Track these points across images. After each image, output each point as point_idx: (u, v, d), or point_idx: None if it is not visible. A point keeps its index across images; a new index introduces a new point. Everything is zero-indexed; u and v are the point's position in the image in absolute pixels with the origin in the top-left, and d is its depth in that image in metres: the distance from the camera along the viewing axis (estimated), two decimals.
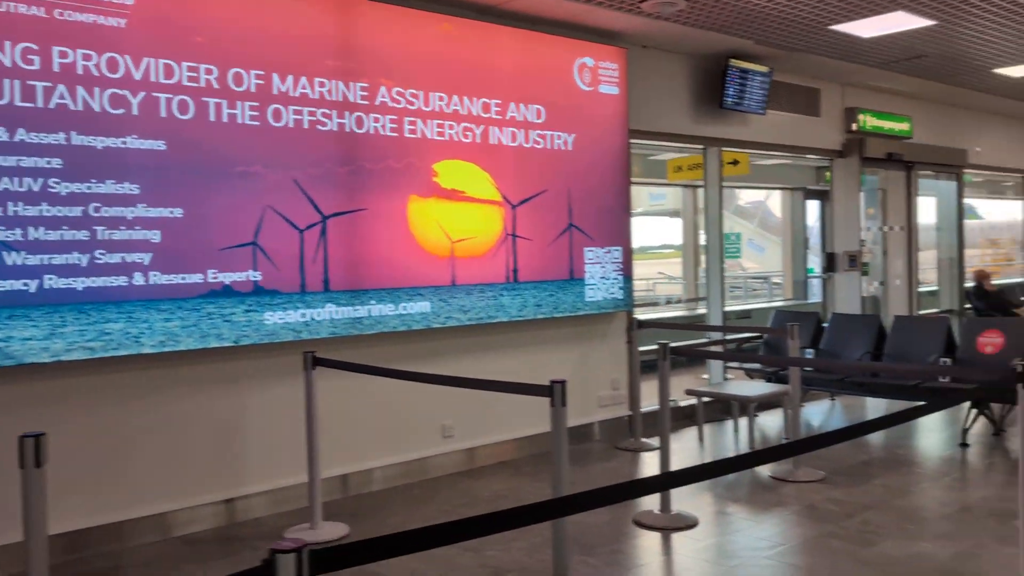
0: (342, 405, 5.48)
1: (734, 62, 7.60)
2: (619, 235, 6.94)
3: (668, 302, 15.23)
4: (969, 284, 11.18)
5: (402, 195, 5.64)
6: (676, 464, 6.17)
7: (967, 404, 6.80)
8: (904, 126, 9.85)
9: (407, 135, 5.66)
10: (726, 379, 8.11)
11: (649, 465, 6.29)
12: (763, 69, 7.87)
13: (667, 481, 2.76)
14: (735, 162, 9.24)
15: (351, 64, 5.41)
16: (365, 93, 5.46)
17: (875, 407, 8.03)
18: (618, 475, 6.00)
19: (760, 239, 19.80)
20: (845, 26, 6.90)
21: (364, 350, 5.52)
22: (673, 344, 7.35)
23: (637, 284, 21.22)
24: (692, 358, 8.77)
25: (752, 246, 22.87)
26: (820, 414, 8.03)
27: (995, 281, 11.52)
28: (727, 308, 8.40)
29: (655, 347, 6.51)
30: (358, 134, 5.44)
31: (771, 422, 7.54)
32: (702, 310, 9.27)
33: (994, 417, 6.78)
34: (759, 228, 18.71)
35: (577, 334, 6.87)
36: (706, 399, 7.09)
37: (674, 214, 18.93)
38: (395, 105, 5.60)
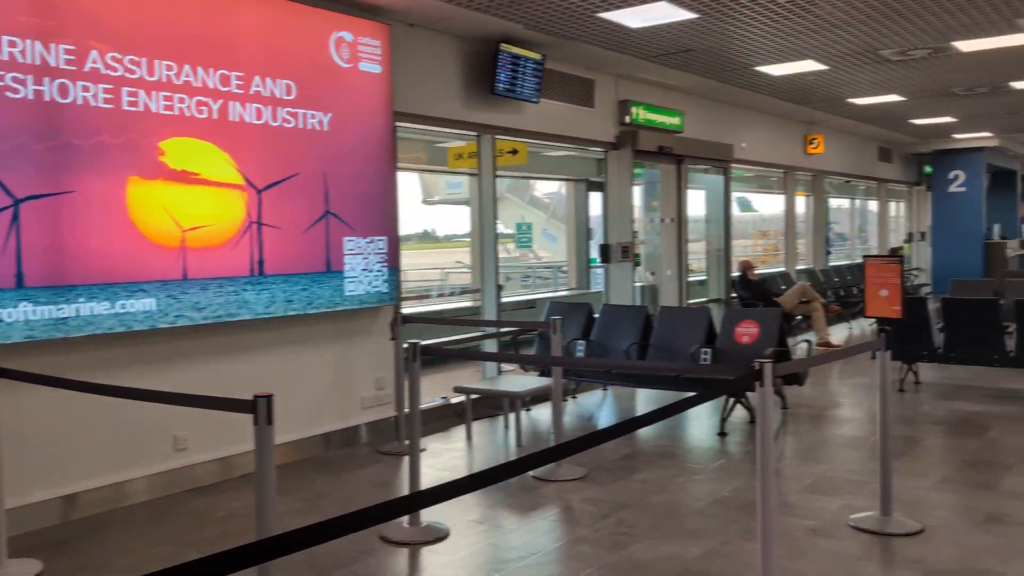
0: (45, 419, 4.70)
1: (505, 47, 7.36)
2: (384, 224, 6.51)
3: (463, 292, 14.95)
4: (735, 274, 11.68)
5: (119, 176, 4.91)
6: (436, 468, 5.85)
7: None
8: (675, 120, 10.07)
9: (126, 108, 4.93)
10: (501, 373, 7.89)
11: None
12: (536, 56, 7.68)
13: (397, 507, 2.33)
14: (515, 151, 9.08)
15: (51, 22, 4.62)
16: (71, 57, 4.69)
17: (645, 396, 8.10)
18: (374, 482, 5.59)
19: (554, 229, 19.98)
20: (612, 14, 6.82)
21: (73, 355, 4.76)
22: (435, 341, 7.10)
23: (431, 274, 20.68)
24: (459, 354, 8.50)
25: (546, 236, 23.23)
26: (592, 405, 8.00)
27: (759, 271, 12.12)
28: (515, 298, 8.21)
29: (430, 342, 6.17)
30: (61, 104, 4.65)
31: (545, 415, 7.40)
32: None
33: (750, 405, 6.97)
34: (552, 218, 18.94)
35: (337, 331, 6.39)
36: (475, 396, 6.82)
37: (468, 202, 18.76)
38: (110, 73, 4.86)
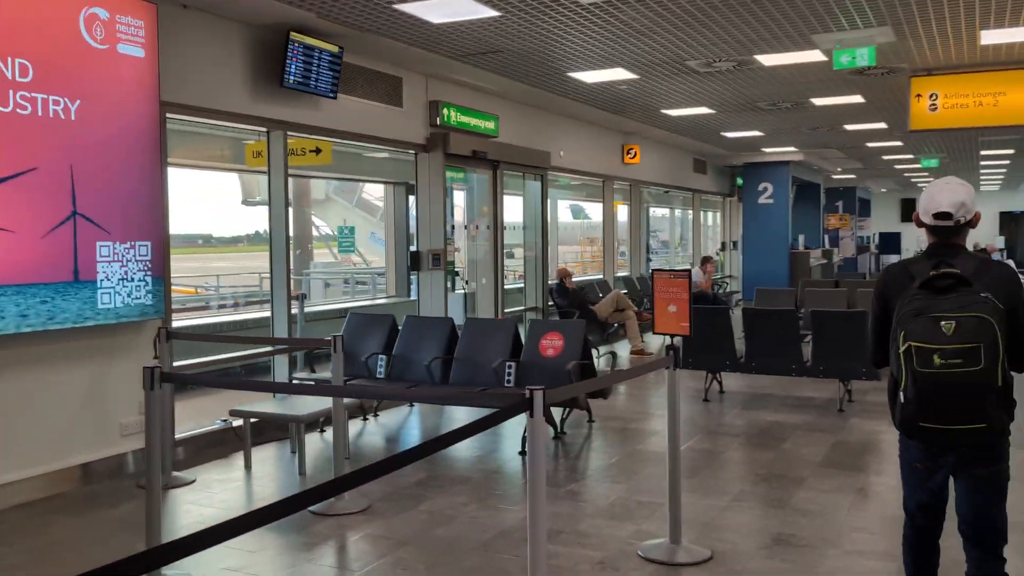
0: None
1: (296, 36, 6.77)
2: (148, 227, 5.76)
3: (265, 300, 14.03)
4: (553, 282, 11.54)
5: None
6: (202, 504, 5.20)
7: None
8: (490, 124, 9.78)
9: None
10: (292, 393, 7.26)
11: (177, 506, 5.22)
12: (332, 48, 7.13)
13: (126, 568, 1.72)
14: (318, 150, 8.49)
15: None
16: None
17: (455, 410, 7.70)
18: (125, 524, 4.87)
19: (383, 233, 19.35)
20: (411, 7, 6.37)
21: None
22: (217, 358, 6.40)
23: (249, 279, 19.32)
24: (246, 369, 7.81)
25: (374, 239, 22.51)
26: (395, 424, 7.52)
27: (578, 278, 12.06)
28: (330, 306, 7.59)
29: (209, 359, 5.51)
30: None
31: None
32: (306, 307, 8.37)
33: (553, 421, 6.71)
34: (381, 221, 18.30)
35: (91, 349, 5.59)
36: (254, 419, 6.17)
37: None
38: None
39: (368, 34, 7.13)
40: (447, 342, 7.13)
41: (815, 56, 8.18)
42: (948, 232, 2.93)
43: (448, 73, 8.82)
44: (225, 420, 6.57)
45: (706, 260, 14.84)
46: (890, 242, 29.62)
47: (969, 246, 3.07)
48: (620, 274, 14.66)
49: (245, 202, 19.08)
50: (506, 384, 6.69)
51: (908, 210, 33.22)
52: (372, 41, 7.40)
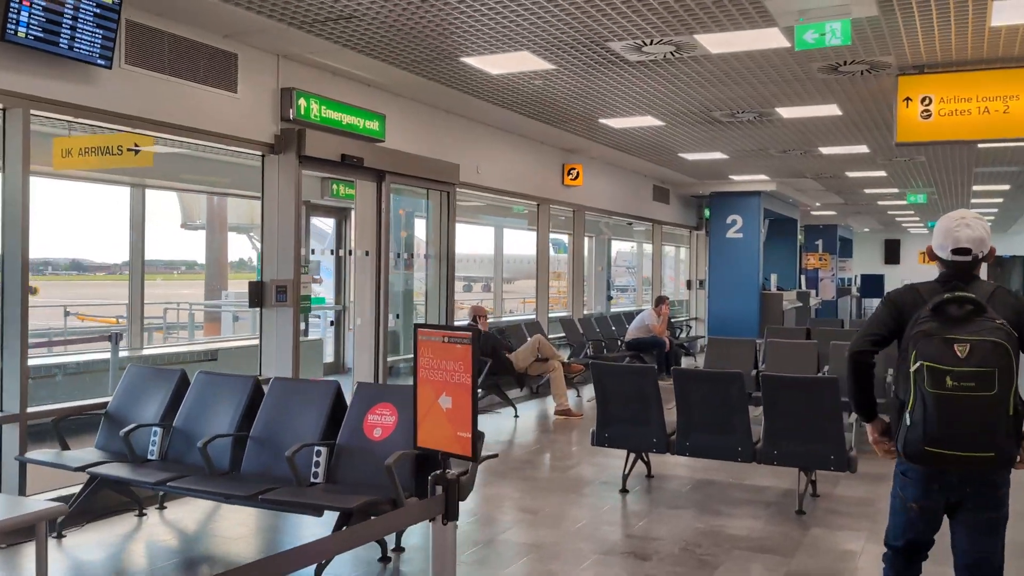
0: None
1: None
2: None
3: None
4: (463, 322, 9.51)
5: None
6: None
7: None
8: (373, 124, 7.76)
9: None
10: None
11: None
12: None
13: None
14: (135, 148, 6.51)
15: None
16: None
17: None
18: None
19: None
20: None
21: None
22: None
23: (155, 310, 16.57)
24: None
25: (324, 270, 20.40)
26: (182, 526, 5.39)
27: (498, 318, 10.02)
28: (193, 346, 5.49)
29: None
30: None
31: (106, 537, 4.74)
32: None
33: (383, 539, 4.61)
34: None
35: None
36: None
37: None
38: None
39: None
40: (244, 412, 5.05)
41: (774, 38, 6.23)
42: (965, 267, 2.92)
43: (308, 53, 6.82)
44: None
45: (660, 300, 12.85)
46: (872, 285, 27.77)
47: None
48: (557, 314, 12.62)
49: (185, 226, 17.01)
50: (312, 481, 4.59)
51: (892, 251, 31.55)
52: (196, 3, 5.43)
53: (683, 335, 16.47)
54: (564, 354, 11.67)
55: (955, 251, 2.88)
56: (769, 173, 14.70)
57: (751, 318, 15.89)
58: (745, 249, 16.19)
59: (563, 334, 11.87)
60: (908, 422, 2.74)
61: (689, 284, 18.10)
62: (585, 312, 16.26)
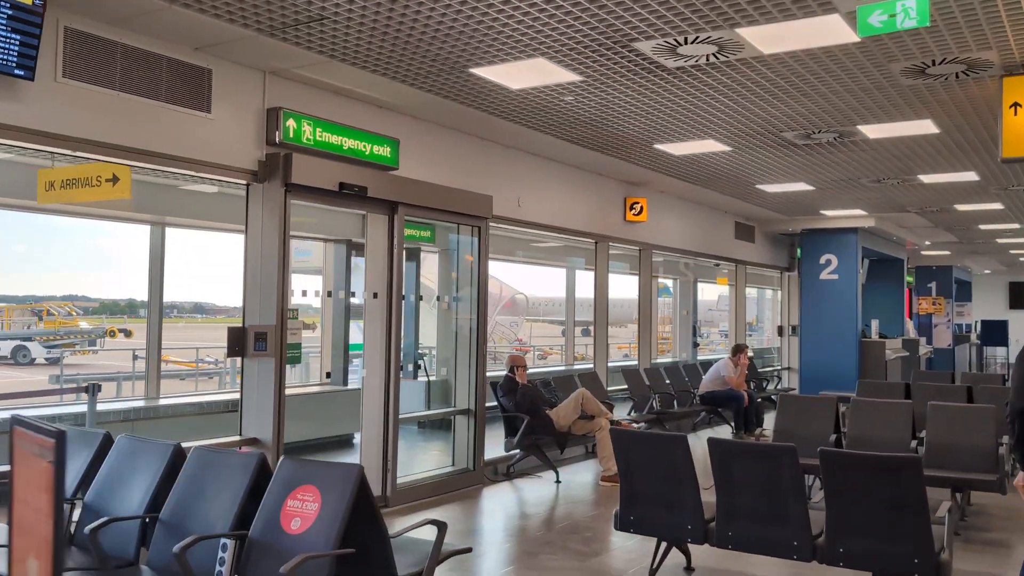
0: None
1: None
2: None
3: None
4: (500, 374, 8.48)
5: None
6: None
7: None
8: (383, 150, 6.90)
9: None
10: None
11: None
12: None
13: None
14: (114, 179, 5.86)
15: None
16: None
17: None
18: None
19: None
20: None
21: None
22: None
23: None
24: None
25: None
26: None
27: (538, 370, 8.93)
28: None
29: None
30: None
31: None
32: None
33: None
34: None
35: None
36: None
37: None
38: None
39: None
40: (157, 488, 4.13)
41: (835, 28, 5.05)
42: None
43: (295, 68, 6.03)
44: None
45: (738, 349, 11.49)
46: (995, 332, 25.26)
47: None
48: (626, 363, 11.42)
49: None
50: None
51: (1018, 295, 28.75)
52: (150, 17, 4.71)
53: (771, 387, 14.93)
54: (624, 409, 10.47)
55: None
56: (866, 208, 13.17)
57: (848, 369, 14.23)
58: (841, 291, 14.59)
59: (625, 386, 10.66)
60: None
61: (781, 330, 16.54)
62: (673, 359, 15.00)
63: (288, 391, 8.91)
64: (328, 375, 10.38)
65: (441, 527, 3.92)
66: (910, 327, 18.49)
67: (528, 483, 8.15)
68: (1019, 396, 3.13)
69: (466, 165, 8.03)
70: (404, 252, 7.25)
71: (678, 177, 10.44)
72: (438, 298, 10.51)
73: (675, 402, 11.14)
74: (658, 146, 8.56)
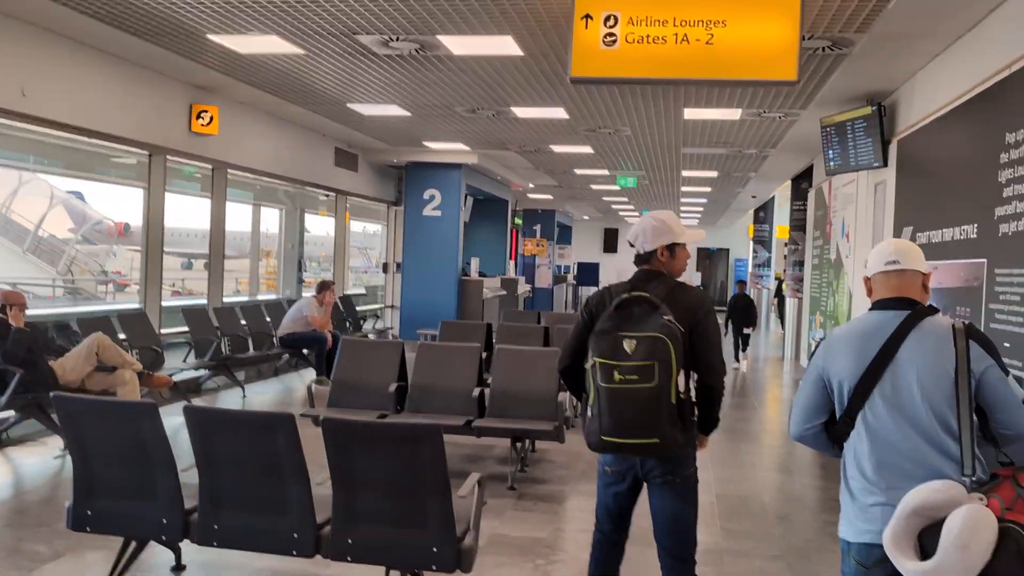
0: None
1: None
2: None
3: None
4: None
5: None
6: None
7: None
8: None
9: None
10: None
11: None
12: None
13: None
14: None
15: None
16: None
17: None
18: None
19: None
20: None
21: None
22: None
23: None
24: None
25: None
26: None
27: (34, 313, 7.06)
28: None
29: None
30: None
31: None
32: None
33: None
34: None
35: None
36: None
37: None
38: None
39: None
40: None
41: None
42: (638, 260, 3.24)
43: None
44: None
45: (324, 286, 10.42)
46: (589, 273, 27.26)
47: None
48: (174, 302, 9.79)
49: None
50: None
51: (611, 240, 31.37)
52: None
53: (369, 326, 14.20)
54: (180, 356, 8.91)
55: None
56: (468, 142, 12.73)
57: (448, 307, 13.95)
58: (444, 229, 14.20)
59: (186, 328, 9.06)
60: (589, 414, 2.98)
61: (385, 267, 15.86)
62: (277, 297, 13.53)
63: None
64: None
65: None
66: (510, 267, 18.91)
67: (25, 453, 6.37)
68: (565, 355, 3.22)
69: None
70: None
71: (256, 85, 8.96)
72: None
73: (252, 346, 9.82)
74: (215, 38, 7.01)
